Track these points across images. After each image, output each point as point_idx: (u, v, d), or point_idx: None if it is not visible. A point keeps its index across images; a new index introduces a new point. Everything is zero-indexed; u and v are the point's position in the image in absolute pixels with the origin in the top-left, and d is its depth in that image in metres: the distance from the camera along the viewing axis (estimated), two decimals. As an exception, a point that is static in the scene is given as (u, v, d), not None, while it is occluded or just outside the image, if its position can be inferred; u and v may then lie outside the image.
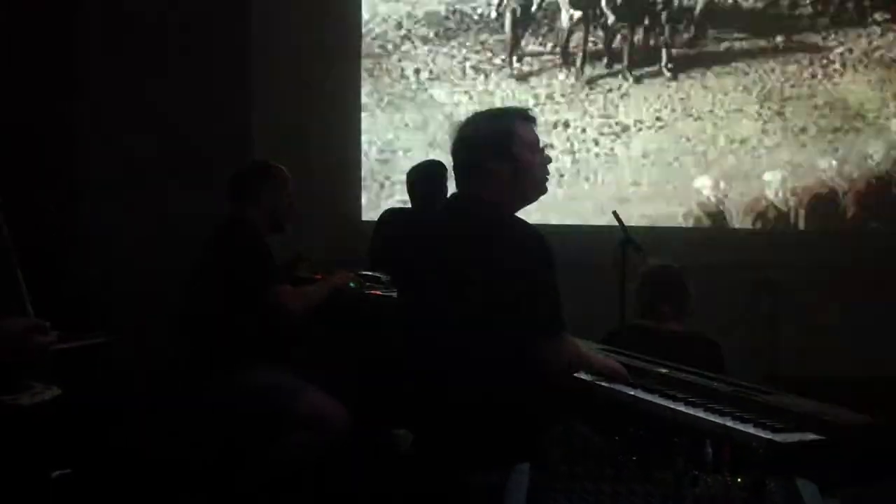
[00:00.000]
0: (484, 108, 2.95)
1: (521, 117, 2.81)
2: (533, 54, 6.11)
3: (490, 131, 2.74)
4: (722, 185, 6.24)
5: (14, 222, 2.16)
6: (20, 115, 4.27)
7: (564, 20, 6.08)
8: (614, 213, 4.36)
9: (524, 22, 6.09)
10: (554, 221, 5.82)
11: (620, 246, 4.18)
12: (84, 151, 4.89)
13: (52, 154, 4.67)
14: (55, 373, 2.28)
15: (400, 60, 6.05)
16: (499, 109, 2.86)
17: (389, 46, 6.04)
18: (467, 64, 6.10)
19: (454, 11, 6.09)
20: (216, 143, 4.91)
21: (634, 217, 6.03)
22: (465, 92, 6.07)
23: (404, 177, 4.98)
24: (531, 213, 2.77)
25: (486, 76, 6.10)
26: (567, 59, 6.10)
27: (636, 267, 4.00)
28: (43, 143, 4.56)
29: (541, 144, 2.80)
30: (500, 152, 2.71)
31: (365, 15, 5.97)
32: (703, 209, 6.24)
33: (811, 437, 2.35)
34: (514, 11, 6.06)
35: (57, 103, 4.75)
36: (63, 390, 2.30)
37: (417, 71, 6.07)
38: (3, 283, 2.14)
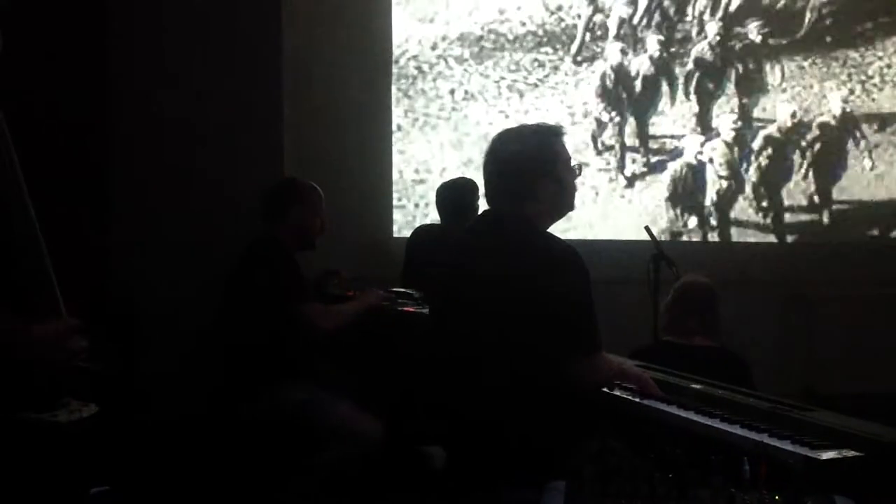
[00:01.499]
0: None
1: (559, 135, 2.83)
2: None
3: (537, 150, 2.74)
4: (758, 199, 6.20)
5: (47, 237, 2.19)
6: (54, 131, 4.33)
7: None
8: (646, 228, 4.34)
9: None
10: (588, 236, 5.83)
11: (653, 261, 4.16)
12: (117, 169, 4.96)
13: (86, 170, 4.73)
14: (91, 389, 2.29)
15: (435, 80, 6.08)
16: (538, 126, 2.86)
17: (425, 67, 6.07)
18: (502, 83, 6.11)
19: (489, 31, 6.11)
20: (249, 163, 4.96)
21: (668, 232, 6.02)
22: (501, 111, 6.08)
23: (438, 195, 4.99)
24: (567, 229, 2.77)
25: (522, 95, 6.11)
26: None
27: (669, 282, 3.99)
28: (76, 159, 4.62)
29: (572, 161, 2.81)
30: (546, 171, 2.72)
31: (400, 36, 6.00)
32: (737, 223, 6.19)
33: (849, 453, 2.31)
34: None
35: (90, 119, 4.81)
36: (100, 407, 2.31)
37: (452, 91, 6.09)
38: (33, 273, 2.17)
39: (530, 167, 2.71)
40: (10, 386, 2.13)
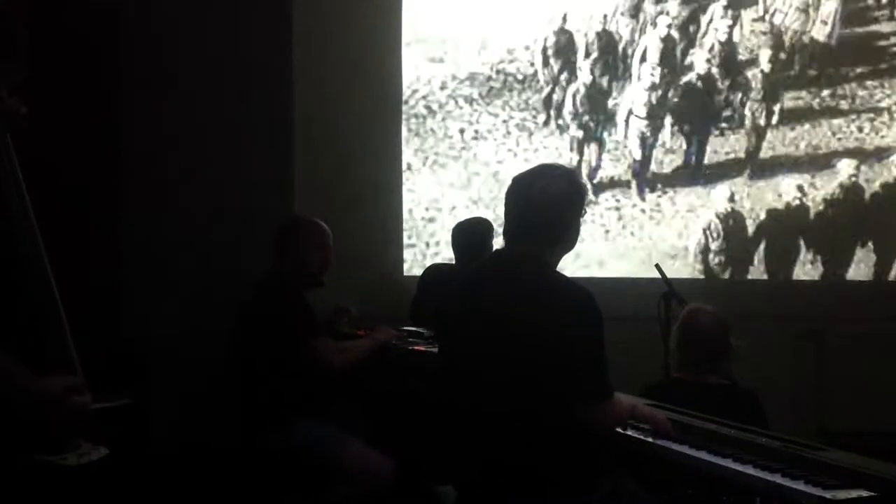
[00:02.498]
0: (529, 166, 2.94)
1: (581, 176, 2.85)
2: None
3: (575, 193, 2.76)
4: (767, 238, 6.20)
5: (57, 273, 2.21)
6: (66, 177, 4.36)
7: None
8: (657, 266, 4.34)
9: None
10: (599, 274, 5.83)
11: (664, 299, 4.15)
12: (128, 208, 4.98)
13: (95, 206, 4.76)
14: (101, 427, 2.29)
15: (444, 120, 6.11)
16: (564, 168, 2.89)
17: (434, 106, 6.10)
18: (511, 122, 6.14)
19: (498, 72, 6.15)
20: (260, 202, 4.98)
21: (678, 269, 6.01)
22: (510, 150, 6.11)
23: (449, 234, 5.00)
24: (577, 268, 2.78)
25: (531, 134, 6.13)
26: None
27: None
28: (88, 199, 4.65)
29: None
30: (578, 214, 2.76)
31: (410, 76, 6.05)
32: (749, 261, 6.18)
33: (863, 493, 2.29)
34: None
35: (101, 158, 4.84)
36: (110, 449, 2.31)
37: (462, 130, 6.12)
38: (44, 314, 2.17)
39: (567, 209, 2.73)
40: (18, 428, 2.13)
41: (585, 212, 2.82)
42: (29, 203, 2.21)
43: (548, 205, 2.70)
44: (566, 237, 2.74)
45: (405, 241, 5.99)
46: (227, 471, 3.94)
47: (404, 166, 6.02)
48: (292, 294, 3.86)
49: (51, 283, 2.21)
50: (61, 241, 2.36)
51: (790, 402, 5.26)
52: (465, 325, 2.75)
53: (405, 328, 4.34)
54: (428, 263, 5.53)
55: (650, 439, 2.85)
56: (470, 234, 4.76)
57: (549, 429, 2.58)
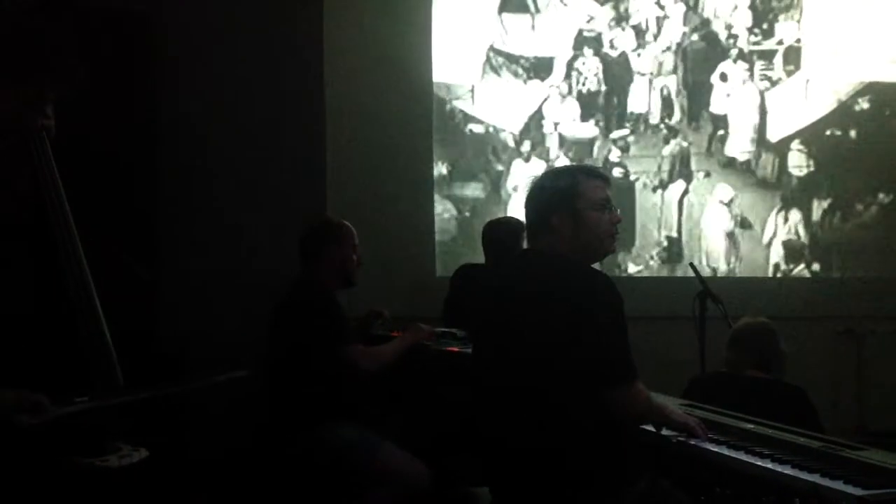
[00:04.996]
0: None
1: (588, 174, 2.84)
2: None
3: (554, 188, 2.77)
4: (805, 230, 6.14)
5: (97, 279, 2.24)
6: (105, 178, 4.41)
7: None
8: (692, 264, 4.32)
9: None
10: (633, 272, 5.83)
11: (698, 298, 4.14)
12: (164, 210, 5.02)
13: (135, 214, 4.80)
14: (138, 431, 2.33)
15: (477, 122, 6.11)
16: (566, 167, 2.91)
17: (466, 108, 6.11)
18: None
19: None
20: (293, 207, 5.00)
21: (715, 267, 5.98)
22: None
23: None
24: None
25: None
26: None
27: (716, 318, 3.96)
28: (127, 204, 4.69)
29: (610, 203, 2.79)
30: (563, 208, 2.72)
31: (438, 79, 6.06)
32: (785, 258, 6.13)
33: (904, 493, 2.27)
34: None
35: (138, 163, 4.87)
36: (150, 452, 2.34)
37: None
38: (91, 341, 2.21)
39: (546, 200, 2.75)
40: (60, 431, 2.16)
41: (608, 207, 2.77)
42: (69, 210, 2.25)
43: (533, 196, 2.80)
44: (547, 227, 2.72)
45: (437, 241, 6.00)
46: (263, 474, 3.95)
47: (436, 168, 6.04)
48: (329, 302, 3.86)
49: (90, 285, 2.25)
50: (99, 243, 2.39)
51: (830, 401, 5.20)
52: (494, 323, 2.78)
53: (438, 329, 4.35)
54: (459, 264, 5.52)
55: (688, 439, 2.83)
56: (499, 234, 4.77)
57: (580, 421, 2.58)
